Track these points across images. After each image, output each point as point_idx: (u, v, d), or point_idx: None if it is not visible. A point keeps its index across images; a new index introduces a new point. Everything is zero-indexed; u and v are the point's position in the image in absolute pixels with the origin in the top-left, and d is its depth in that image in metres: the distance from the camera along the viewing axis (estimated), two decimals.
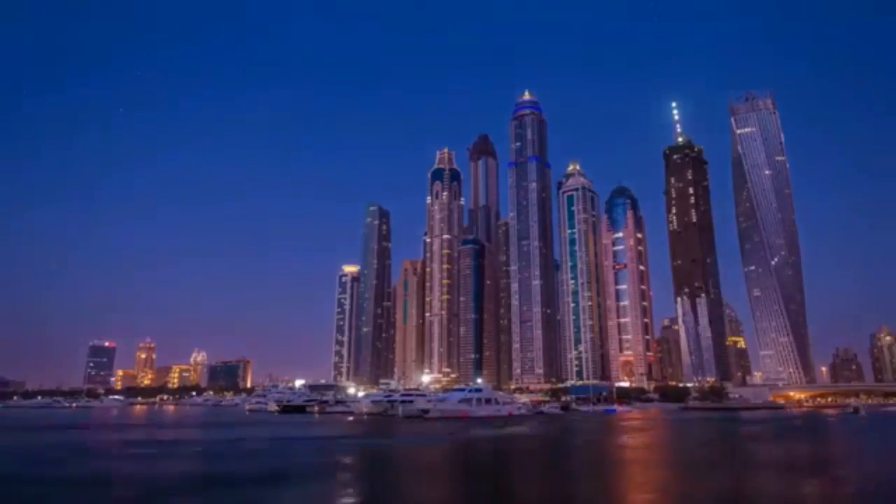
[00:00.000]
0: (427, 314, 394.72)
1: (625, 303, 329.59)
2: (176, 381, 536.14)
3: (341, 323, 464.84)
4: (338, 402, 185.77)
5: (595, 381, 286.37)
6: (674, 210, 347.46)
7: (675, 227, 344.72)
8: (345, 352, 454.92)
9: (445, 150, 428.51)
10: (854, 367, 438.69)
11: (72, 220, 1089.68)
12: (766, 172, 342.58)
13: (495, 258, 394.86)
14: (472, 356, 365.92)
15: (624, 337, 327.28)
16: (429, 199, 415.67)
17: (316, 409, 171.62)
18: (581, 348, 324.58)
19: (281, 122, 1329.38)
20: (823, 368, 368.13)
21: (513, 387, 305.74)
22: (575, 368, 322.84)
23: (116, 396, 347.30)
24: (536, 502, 28.34)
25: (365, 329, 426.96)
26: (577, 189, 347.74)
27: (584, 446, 63.00)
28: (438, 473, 39.72)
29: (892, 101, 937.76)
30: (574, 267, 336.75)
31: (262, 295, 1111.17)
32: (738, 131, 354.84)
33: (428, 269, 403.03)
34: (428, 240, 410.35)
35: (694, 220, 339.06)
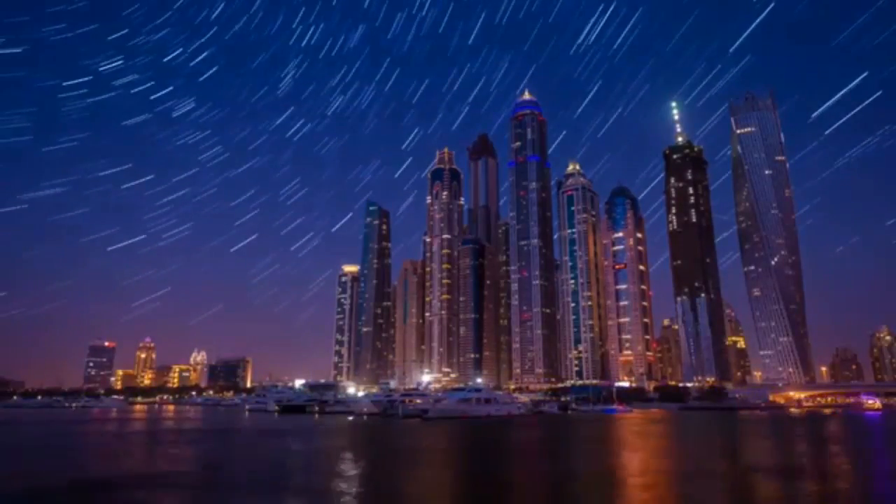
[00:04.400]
0: (427, 314, 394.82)
1: (625, 303, 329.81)
2: (176, 380, 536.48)
3: (341, 323, 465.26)
4: (338, 402, 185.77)
5: (595, 381, 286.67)
6: (674, 210, 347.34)
7: (675, 227, 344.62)
8: (345, 352, 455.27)
9: (445, 150, 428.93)
10: (854, 367, 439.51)
11: (72, 217, 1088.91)
12: (766, 172, 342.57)
13: (495, 258, 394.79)
14: (472, 356, 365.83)
15: (624, 337, 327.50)
16: (429, 199, 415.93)
17: (316, 409, 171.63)
18: (581, 348, 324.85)
19: (280, 121, 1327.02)
20: (823, 368, 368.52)
21: (513, 387, 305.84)
22: (575, 368, 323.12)
23: (116, 396, 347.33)
24: None
25: (365, 329, 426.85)
26: (576, 189, 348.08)
27: None
28: None
29: (894, 98, 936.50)
30: (574, 267, 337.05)
31: (262, 295, 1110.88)
32: (738, 131, 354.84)
33: (428, 269, 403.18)
34: (428, 240, 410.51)
35: (694, 220, 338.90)
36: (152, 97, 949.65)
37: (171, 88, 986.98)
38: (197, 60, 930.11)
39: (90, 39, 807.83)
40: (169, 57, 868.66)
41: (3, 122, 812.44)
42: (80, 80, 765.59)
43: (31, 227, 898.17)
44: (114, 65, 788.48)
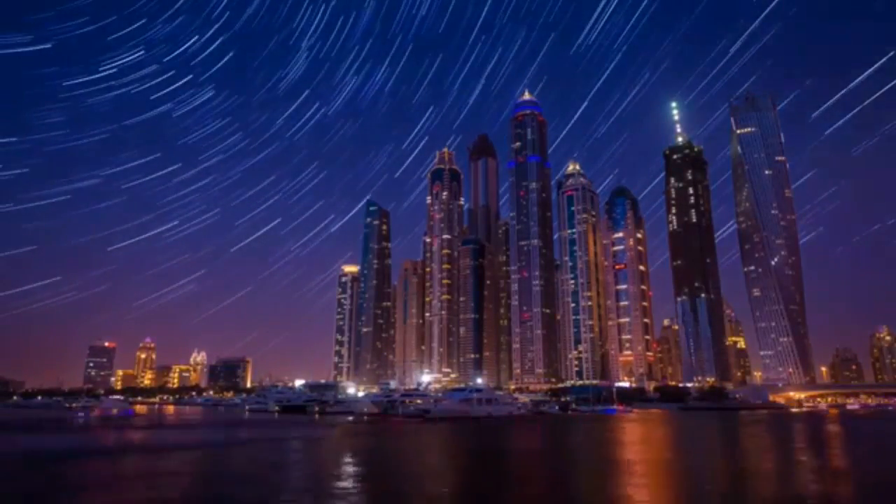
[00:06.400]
0: (427, 314, 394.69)
1: (625, 303, 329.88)
2: (176, 381, 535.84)
3: (341, 323, 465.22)
4: (338, 402, 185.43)
5: (595, 382, 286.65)
6: (674, 210, 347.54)
7: (675, 227, 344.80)
8: (345, 352, 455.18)
9: (445, 150, 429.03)
10: (854, 367, 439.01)
11: (70, 216, 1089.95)
12: (766, 172, 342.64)
13: (495, 258, 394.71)
14: (472, 356, 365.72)
15: (624, 337, 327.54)
16: (429, 199, 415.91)
17: (316, 409, 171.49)
18: (581, 348, 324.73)
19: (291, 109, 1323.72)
20: (823, 368, 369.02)
21: (513, 387, 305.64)
22: (575, 368, 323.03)
23: (116, 396, 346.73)
24: None
25: (365, 329, 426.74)
26: (576, 189, 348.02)
27: None
28: None
29: (894, 98, 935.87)
30: (574, 267, 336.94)
31: (262, 295, 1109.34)
32: (738, 131, 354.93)
33: (428, 269, 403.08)
34: (428, 240, 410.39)
35: (694, 220, 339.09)
36: (173, 86, 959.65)
37: (190, 77, 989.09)
38: (212, 48, 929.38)
39: (110, 32, 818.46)
40: (186, 45, 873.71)
41: (40, 118, 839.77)
42: (105, 72, 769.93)
43: (72, 216, 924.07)
44: (135, 56, 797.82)
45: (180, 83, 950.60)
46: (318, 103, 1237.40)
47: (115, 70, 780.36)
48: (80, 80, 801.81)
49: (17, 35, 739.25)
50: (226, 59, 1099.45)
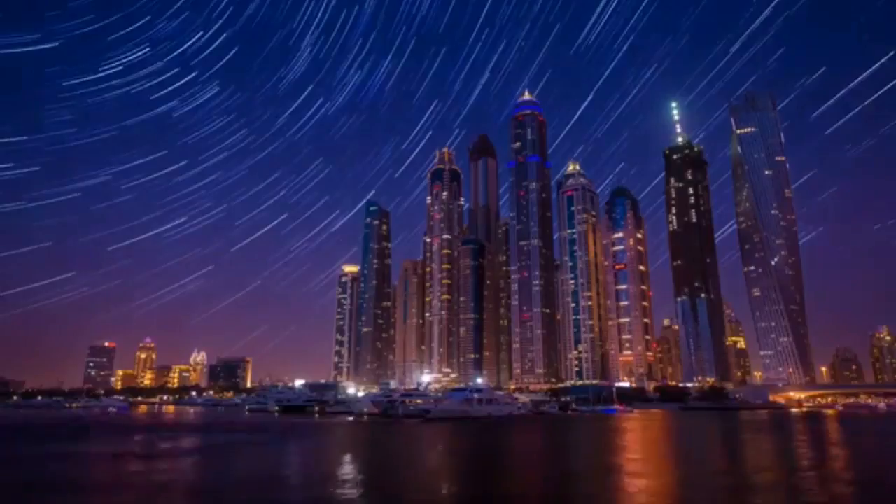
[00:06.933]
0: (427, 314, 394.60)
1: (625, 303, 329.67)
2: (176, 381, 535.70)
3: (341, 323, 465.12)
4: (338, 402, 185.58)
5: (595, 382, 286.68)
6: (674, 210, 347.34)
7: (675, 227, 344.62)
8: (345, 352, 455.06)
9: (445, 149, 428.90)
10: (854, 367, 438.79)
11: (72, 217, 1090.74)
12: (766, 172, 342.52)
13: (495, 258, 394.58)
14: (472, 356, 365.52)
15: (624, 337, 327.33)
16: (429, 199, 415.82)
17: (316, 409, 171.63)
18: (581, 348, 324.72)
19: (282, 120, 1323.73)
20: (823, 368, 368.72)
21: (513, 387, 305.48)
22: (575, 368, 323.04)
23: (117, 396, 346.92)
24: None
25: (365, 329, 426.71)
26: (576, 189, 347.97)
27: None
28: None
29: (894, 98, 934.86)
30: (574, 267, 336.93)
31: (262, 294, 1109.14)
32: (738, 131, 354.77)
33: (428, 269, 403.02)
34: (428, 240, 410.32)
35: (694, 220, 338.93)
36: (177, 84, 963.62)
37: (194, 74, 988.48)
38: (216, 45, 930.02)
39: (113, 30, 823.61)
40: (189, 43, 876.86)
41: (49, 117, 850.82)
42: (109, 71, 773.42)
43: (78, 215, 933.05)
44: (139, 54, 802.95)
45: (184, 81, 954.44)
46: (321, 99, 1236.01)
47: (120, 68, 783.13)
48: (85, 78, 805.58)
49: (26, 34, 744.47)
50: (229, 55, 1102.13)
